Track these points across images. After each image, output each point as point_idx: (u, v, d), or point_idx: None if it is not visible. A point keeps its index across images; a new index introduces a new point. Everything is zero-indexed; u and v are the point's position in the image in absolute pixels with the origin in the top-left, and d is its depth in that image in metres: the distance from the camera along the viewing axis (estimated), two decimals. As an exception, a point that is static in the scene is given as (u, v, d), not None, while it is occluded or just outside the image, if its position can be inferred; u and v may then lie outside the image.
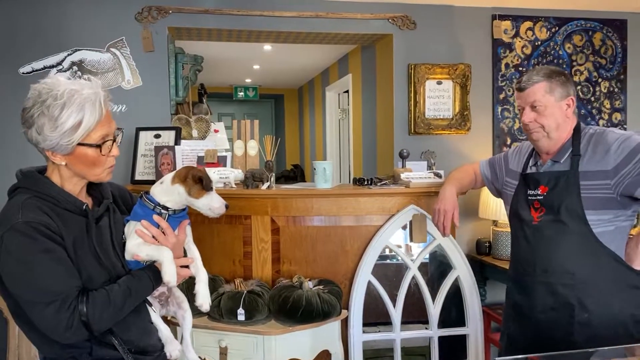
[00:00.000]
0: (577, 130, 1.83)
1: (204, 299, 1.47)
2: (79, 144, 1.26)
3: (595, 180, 1.72)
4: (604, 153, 1.72)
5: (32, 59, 3.08)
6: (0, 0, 3.01)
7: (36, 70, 3.09)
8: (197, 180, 1.41)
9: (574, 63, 3.73)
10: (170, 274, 1.34)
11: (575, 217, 1.74)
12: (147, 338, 1.40)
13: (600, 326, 1.72)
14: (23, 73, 3.07)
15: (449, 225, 2.11)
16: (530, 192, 1.86)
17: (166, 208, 1.41)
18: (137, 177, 2.93)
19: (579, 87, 3.75)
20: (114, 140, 1.33)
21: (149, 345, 1.39)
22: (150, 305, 1.43)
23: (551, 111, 1.79)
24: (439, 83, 3.57)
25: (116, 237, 1.38)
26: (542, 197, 1.81)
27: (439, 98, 3.58)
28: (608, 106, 3.79)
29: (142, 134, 2.99)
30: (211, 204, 1.45)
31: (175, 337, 1.51)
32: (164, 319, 1.53)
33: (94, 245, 1.30)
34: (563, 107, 1.80)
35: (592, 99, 3.77)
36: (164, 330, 1.46)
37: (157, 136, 2.96)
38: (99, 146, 1.29)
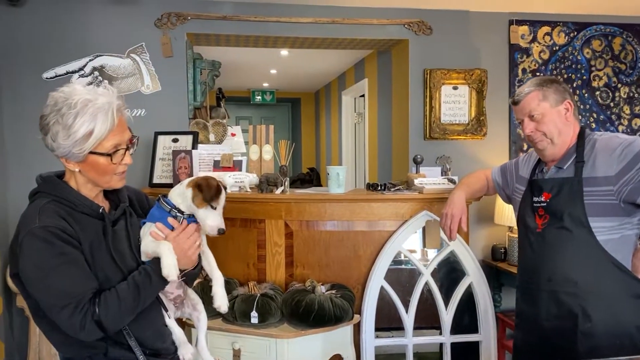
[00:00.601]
0: (581, 136, 1.81)
1: (222, 301, 1.48)
2: (91, 152, 1.29)
3: (599, 187, 1.70)
4: (607, 158, 1.70)
5: (55, 64, 3.17)
6: (25, 7, 3.10)
7: (59, 76, 3.18)
8: (201, 189, 1.40)
9: (593, 68, 3.69)
10: (168, 267, 1.32)
11: (579, 224, 1.72)
12: (161, 341, 1.43)
13: (604, 336, 1.70)
14: (46, 78, 3.16)
15: (456, 229, 2.10)
16: (535, 198, 1.85)
17: (182, 212, 1.43)
18: (155, 180, 2.99)
19: (597, 93, 3.71)
20: (127, 149, 1.35)
21: (163, 348, 1.42)
22: (166, 308, 1.46)
23: (550, 118, 1.79)
24: (455, 88, 3.56)
25: (133, 240, 1.41)
26: (545, 204, 1.80)
27: (454, 103, 3.58)
28: (628, 112, 3.74)
29: (160, 138, 3.05)
30: (206, 220, 1.40)
31: (190, 340, 1.53)
32: (179, 321, 1.56)
33: (110, 248, 1.33)
34: (561, 111, 1.80)
35: (612, 104, 3.73)
36: (177, 333, 1.49)
37: (175, 140, 3.02)
38: (109, 155, 1.31)
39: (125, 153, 1.35)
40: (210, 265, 1.52)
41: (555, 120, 1.79)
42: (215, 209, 1.41)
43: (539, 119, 1.79)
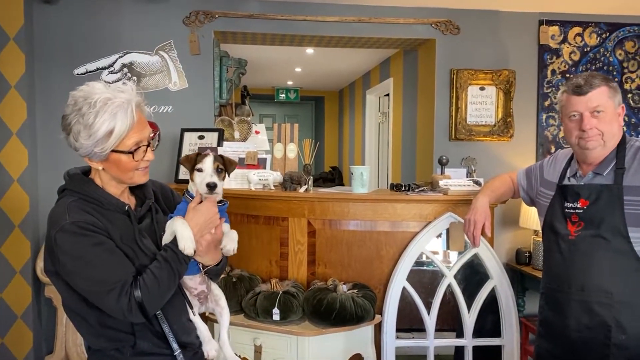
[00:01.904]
0: (621, 142, 1.74)
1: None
2: (113, 151, 1.30)
3: None
4: None
5: (86, 61, 3.24)
6: (58, 5, 3.18)
7: (90, 72, 3.25)
8: (183, 163, 1.48)
9: (625, 70, 3.60)
10: (183, 240, 1.33)
11: (617, 233, 1.66)
12: (186, 335, 1.44)
13: (638, 349, 1.65)
14: (77, 74, 3.24)
15: (479, 235, 2.04)
16: (568, 204, 1.78)
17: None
18: (181, 176, 3.03)
19: (630, 95, 3.62)
20: (149, 145, 1.36)
21: (187, 343, 1.44)
22: (190, 305, 1.48)
23: (612, 117, 1.69)
24: (482, 89, 3.52)
25: (159, 236, 1.43)
26: (581, 211, 1.73)
27: (481, 104, 3.53)
28: (661, 115, 3.64)
29: (186, 134, 3.09)
30: (197, 181, 1.44)
31: (212, 335, 1.55)
32: (201, 315, 1.58)
33: (138, 242, 1.36)
34: (619, 114, 1.72)
35: (624, 106, 3.62)
36: (202, 329, 1.50)
37: (201, 137, 3.05)
38: (131, 153, 1.32)
39: (146, 149, 1.36)
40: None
41: (614, 121, 1.70)
42: (202, 171, 1.44)
43: (603, 116, 1.69)
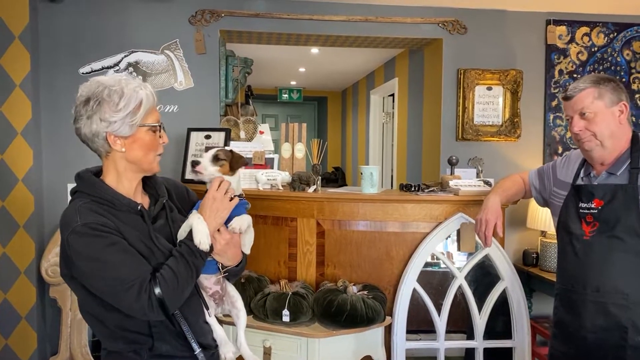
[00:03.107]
0: (635, 141, 1.73)
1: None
2: (140, 125, 1.32)
3: None
4: None
5: (91, 59, 3.22)
6: (64, 3, 3.15)
7: (95, 71, 3.22)
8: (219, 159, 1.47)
9: (633, 70, 3.59)
10: (199, 234, 1.33)
11: (633, 233, 1.64)
12: (203, 337, 1.42)
13: None
14: (83, 73, 3.21)
15: (491, 235, 2.03)
16: (582, 204, 1.77)
17: None
18: (187, 176, 3.00)
19: (637, 96, 3.60)
20: (162, 127, 1.38)
21: (204, 345, 1.41)
22: (207, 306, 1.45)
23: (602, 117, 1.70)
24: (489, 89, 3.50)
25: (174, 235, 1.41)
26: (596, 211, 1.72)
27: (488, 104, 3.52)
28: (668, 116, 3.63)
29: (193, 134, 3.07)
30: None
31: (228, 337, 1.53)
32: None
33: (154, 242, 1.34)
34: (616, 113, 1.71)
35: (624, 104, 3.61)
36: (218, 331, 1.48)
37: (208, 137, 3.03)
38: (155, 127, 1.34)
39: (162, 131, 1.38)
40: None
41: (608, 121, 1.71)
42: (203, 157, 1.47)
43: (591, 117, 1.71)
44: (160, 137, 1.37)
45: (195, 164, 1.43)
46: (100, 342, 1.39)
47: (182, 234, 1.38)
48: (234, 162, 1.47)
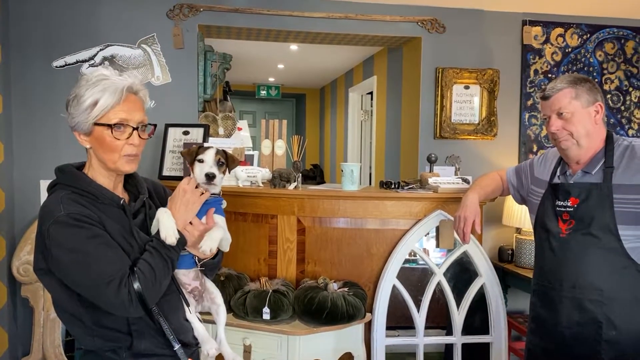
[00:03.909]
0: (609, 141, 1.77)
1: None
2: (96, 124, 1.30)
3: (630, 195, 1.67)
4: None
5: (65, 53, 3.14)
6: (37, -6, 3.07)
7: (69, 64, 3.14)
8: (185, 155, 1.47)
9: (605, 71, 3.68)
10: (165, 230, 1.32)
11: (607, 231, 1.68)
12: (183, 335, 1.41)
13: (628, 344, 1.68)
14: (56, 67, 3.13)
15: (469, 232, 2.07)
16: (559, 202, 1.80)
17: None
18: (165, 172, 2.96)
19: (609, 96, 3.70)
20: (135, 129, 1.33)
21: (185, 342, 1.40)
22: (187, 302, 1.44)
23: (579, 117, 1.74)
24: (467, 88, 3.54)
25: (152, 231, 1.40)
26: (572, 209, 1.76)
27: (465, 103, 3.56)
28: (638, 116, 3.73)
29: (170, 130, 3.02)
30: (196, 171, 1.44)
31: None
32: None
33: (134, 237, 1.33)
34: (591, 113, 1.75)
35: (622, 108, 3.72)
36: (199, 329, 1.47)
37: (186, 133, 2.99)
38: (110, 127, 1.30)
39: (132, 133, 1.33)
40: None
41: (584, 121, 1.75)
42: (203, 162, 1.44)
43: (568, 117, 1.74)
44: (119, 138, 1.31)
45: (212, 177, 1.41)
46: (75, 342, 1.36)
47: (154, 229, 1.38)
48: (230, 163, 1.49)
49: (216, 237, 1.40)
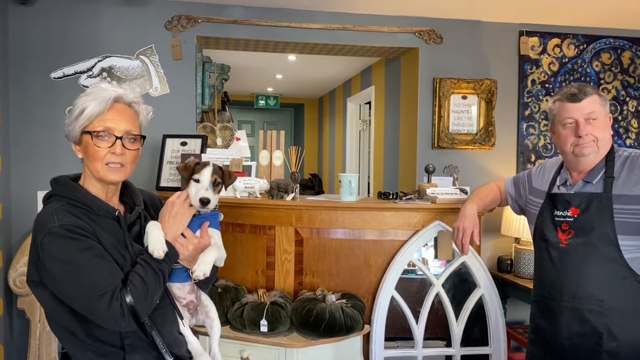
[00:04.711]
0: (610, 151, 1.77)
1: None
2: (83, 132, 1.32)
3: (630, 205, 1.66)
4: None
5: (63, 64, 3.14)
6: (35, 6, 3.08)
7: (67, 76, 3.15)
8: (181, 170, 1.46)
9: (602, 81, 3.69)
10: (152, 243, 1.31)
11: (607, 241, 1.68)
12: (177, 348, 1.40)
13: (628, 356, 1.67)
14: (54, 78, 3.13)
15: (468, 243, 2.06)
16: (558, 212, 1.80)
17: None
18: (163, 183, 2.95)
19: (606, 106, 3.70)
20: (119, 138, 1.32)
21: (179, 356, 1.39)
22: (181, 316, 1.43)
23: (604, 124, 1.75)
24: (464, 98, 3.55)
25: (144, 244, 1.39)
26: (572, 219, 1.75)
27: (463, 113, 3.57)
28: (635, 125, 3.74)
29: (168, 141, 3.02)
30: (191, 192, 1.42)
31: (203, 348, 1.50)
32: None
33: (129, 249, 1.33)
34: (609, 122, 1.78)
35: (619, 117, 3.73)
36: (193, 342, 1.46)
37: (184, 144, 2.99)
38: (90, 133, 1.30)
39: (115, 142, 1.32)
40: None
41: (607, 129, 1.76)
42: (198, 181, 1.42)
43: (596, 123, 1.73)
44: (100, 146, 1.30)
45: (206, 202, 1.39)
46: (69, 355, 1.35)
47: (145, 241, 1.37)
48: (226, 181, 1.47)
49: (209, 260, 1.39)
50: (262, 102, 7.63)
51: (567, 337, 1.75)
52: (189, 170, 1.44)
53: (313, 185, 6.67)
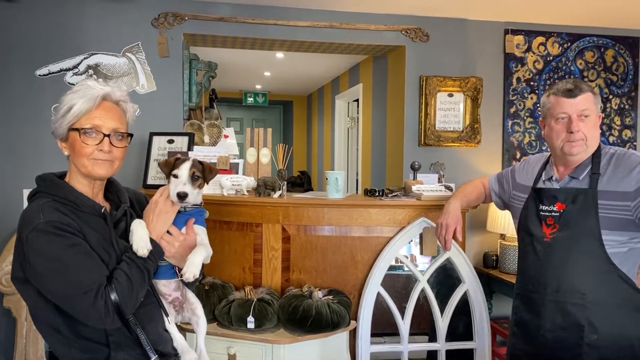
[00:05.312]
0: (597, 149, 1.80)
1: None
2: (70, 129, 1.33)
3: (615, 201, 1.69)
4: (626, 174, 1.70)
5: (49, 61, 3.12)
6: (20, 3, 3.05)
7: (52, 73, 3.13)
8: (162, 167, 1.47)
9: (585, 79, 3.74)
10: (136, 242, 1.32)
11: (591, 236, 1.71)
12: (162, 345, 1.41)
13: (609, 348, 1.70)
14: (39, 75, 3.11)
15: (450, 239, 2.09)
16: (543, 207, 1.82)
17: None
18: (149, 181, 2.95)
19: (589, 103, 3.76)
20: (107, 136, 1.34)
21: (164, 353, 1.40)
22: (166, 313, 1.44)
23: (594, 123, 1.76)
24: (450, 95, 3.59)
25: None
26: (557, 214, 1.78)
27: (449, 110, 3.60)
28: (618, 123, 3.80)
29: (155, 138, 3.02)
30: (170, 187, 1.42)
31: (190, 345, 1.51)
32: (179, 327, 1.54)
33: (114, 246, 1.33)
34: (599, 120, 1.80)
35: (603, 115, 3.78)
36: (178, 339, 1.46)
37: (171, 141, 2.99)
38: (77, 130, 1.31)
39: (103, 139, 1.33)
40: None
41: (596, 127, 1.77)
42: (177, 177, 1.42)
43: (588, 120, 1.75)
44: (87, 143, 1.32)
45: (183, 196, 1.39)
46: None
47: (130, 240, 1.37)
48: (207, 175, 1.47)
49: (198, 261, 1.39)
50: (250, 100, 7.62)
51: (550, 329, 1.78)
52: (169, 166, 1.45)
53: (302, 182, 6.67)
